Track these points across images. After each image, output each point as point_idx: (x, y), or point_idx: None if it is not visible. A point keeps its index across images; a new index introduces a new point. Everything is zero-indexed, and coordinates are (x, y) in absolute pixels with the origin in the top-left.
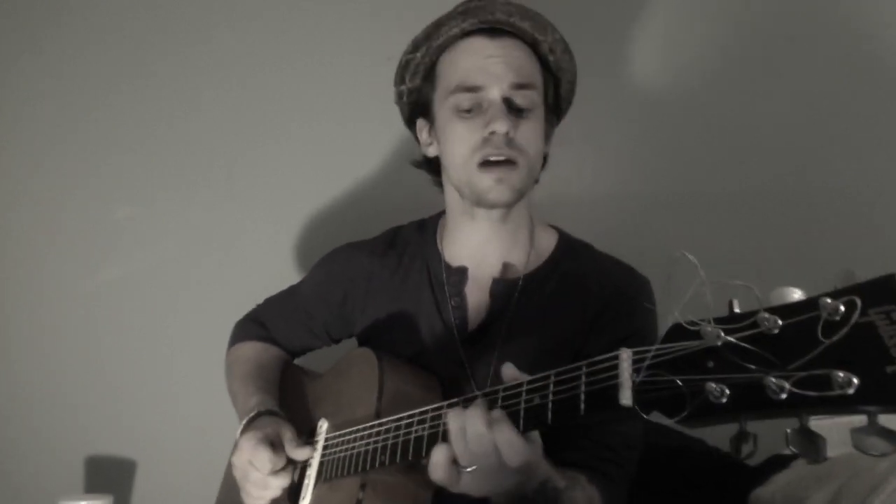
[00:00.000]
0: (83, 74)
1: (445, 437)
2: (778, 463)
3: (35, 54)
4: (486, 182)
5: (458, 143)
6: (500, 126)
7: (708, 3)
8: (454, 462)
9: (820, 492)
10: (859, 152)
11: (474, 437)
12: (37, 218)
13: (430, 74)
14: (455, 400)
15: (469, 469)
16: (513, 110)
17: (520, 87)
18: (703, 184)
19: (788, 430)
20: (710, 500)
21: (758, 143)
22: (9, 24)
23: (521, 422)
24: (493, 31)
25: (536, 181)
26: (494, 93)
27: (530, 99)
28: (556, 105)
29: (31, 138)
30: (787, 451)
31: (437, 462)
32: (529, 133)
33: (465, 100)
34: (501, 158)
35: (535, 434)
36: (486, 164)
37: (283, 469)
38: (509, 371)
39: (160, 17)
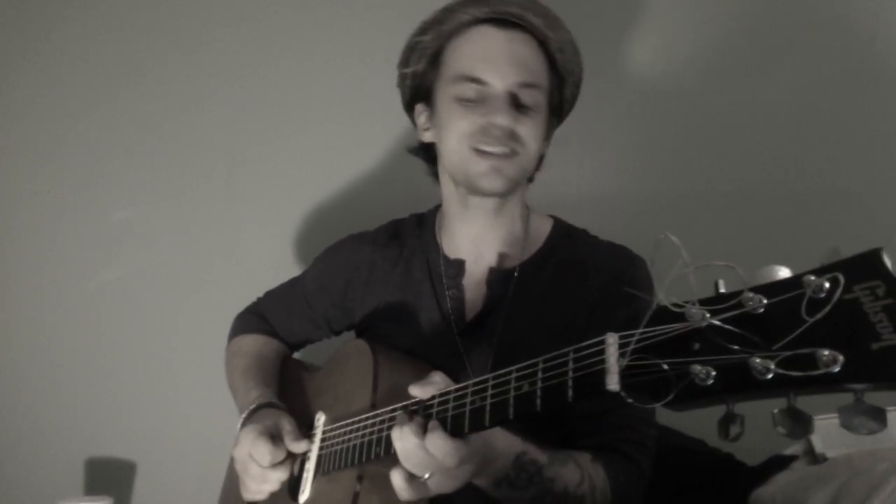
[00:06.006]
0: (83, 75)
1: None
2: (778, 463)
3: (34, 55)
4: (481, 168)
5: (456, 130)
6: (503, 119)
7: (707, 3)
8: (413, 477)
9: (820, 492)
10: (858, 151)
11: (411, 452)
12: (35, 219)
13: (435, 59)
14: (408, 402)
15: (426, 477)
16: (516, 106)
17: (526, 85)
18: (702, 183)
19: (775, 411)
20: (711, 500)
21: (758, 142)
22: (8, 25)
23: (511, 409)
24: (503, 22)
25: (531, 180)
26: (499, 87)
27: (535, 99)
28: (558, 106)
29: (29, 140)
30: (786, 452)
31: (399, 485)
32: (530, 132)
33: (469, 90)
34: (500, 151)
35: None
36: (482, 151)
37: (282, 462)
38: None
39: (158, 18)
